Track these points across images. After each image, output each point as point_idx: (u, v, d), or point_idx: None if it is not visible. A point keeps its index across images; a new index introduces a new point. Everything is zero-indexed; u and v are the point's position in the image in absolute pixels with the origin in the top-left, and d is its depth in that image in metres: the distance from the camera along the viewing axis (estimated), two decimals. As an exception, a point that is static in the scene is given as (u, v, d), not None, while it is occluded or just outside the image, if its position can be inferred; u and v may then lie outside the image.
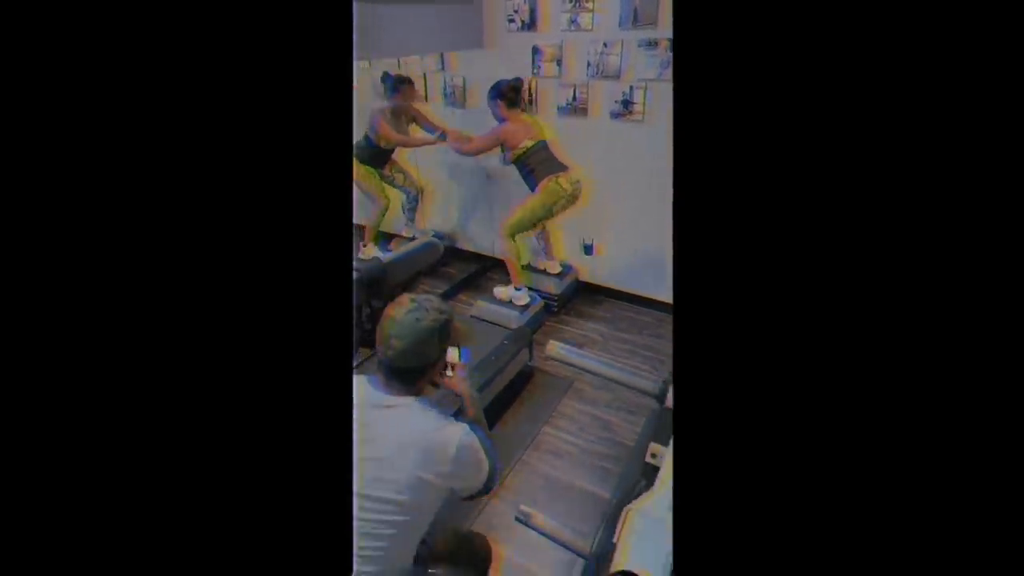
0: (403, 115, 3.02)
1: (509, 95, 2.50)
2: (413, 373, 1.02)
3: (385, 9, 2.16)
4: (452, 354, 1.09)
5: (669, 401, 1.17)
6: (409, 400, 1.00)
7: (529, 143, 2.51)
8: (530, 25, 2.64)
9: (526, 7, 2.61)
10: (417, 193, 3.35)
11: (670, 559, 0.65)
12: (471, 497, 1.06)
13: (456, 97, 3.06)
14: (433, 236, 3.28)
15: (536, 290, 2.88)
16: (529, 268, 3.00)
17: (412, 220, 3.43)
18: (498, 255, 3.36)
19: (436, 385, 1.12)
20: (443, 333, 1.03)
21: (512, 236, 2.61)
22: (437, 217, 3.52)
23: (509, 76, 2.55)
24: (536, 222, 2.63)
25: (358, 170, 3.02)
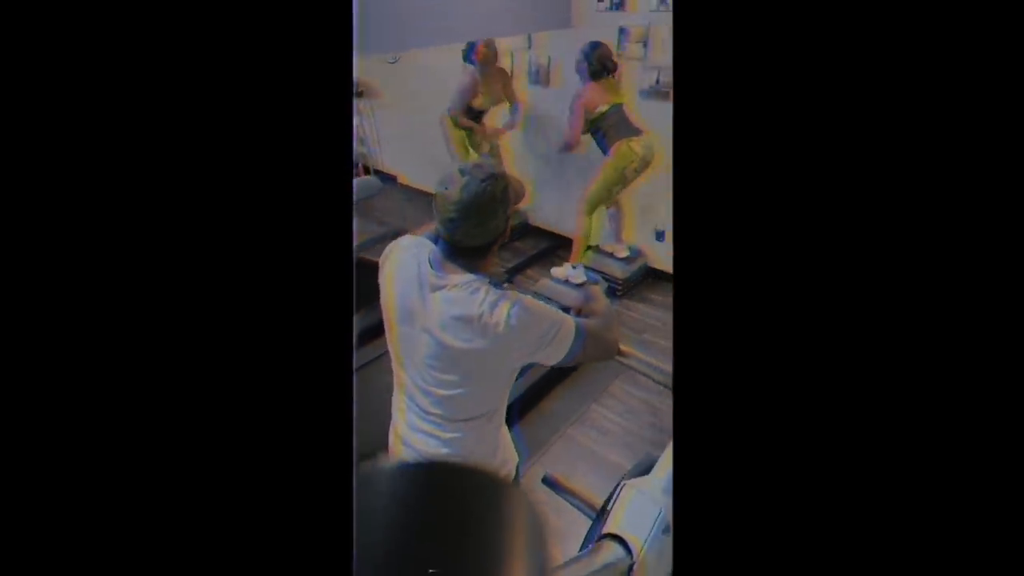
0: (495, 77, 3.05)
1: (597, 67, 2.50)
2: (479, 251, 0.97)
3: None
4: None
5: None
6: (468, 278, 0.95)
7: (604, 108, 2.52)
8: (619, 5, 2.61)
9: (617, -14, 2.59)
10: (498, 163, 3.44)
11: (658, 531, 0.69)
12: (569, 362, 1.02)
13: (540, 76, 3.09)
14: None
15: (601, 272, 2.90)
16: (597, 250, 3.02)
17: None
18: (568, 233, 3.41)
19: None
20: (505, 200, 0.95)
21: (590, 211, 2.65)
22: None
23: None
24: (612, 189, 2.63)
25: (451, 131, 3.15)
